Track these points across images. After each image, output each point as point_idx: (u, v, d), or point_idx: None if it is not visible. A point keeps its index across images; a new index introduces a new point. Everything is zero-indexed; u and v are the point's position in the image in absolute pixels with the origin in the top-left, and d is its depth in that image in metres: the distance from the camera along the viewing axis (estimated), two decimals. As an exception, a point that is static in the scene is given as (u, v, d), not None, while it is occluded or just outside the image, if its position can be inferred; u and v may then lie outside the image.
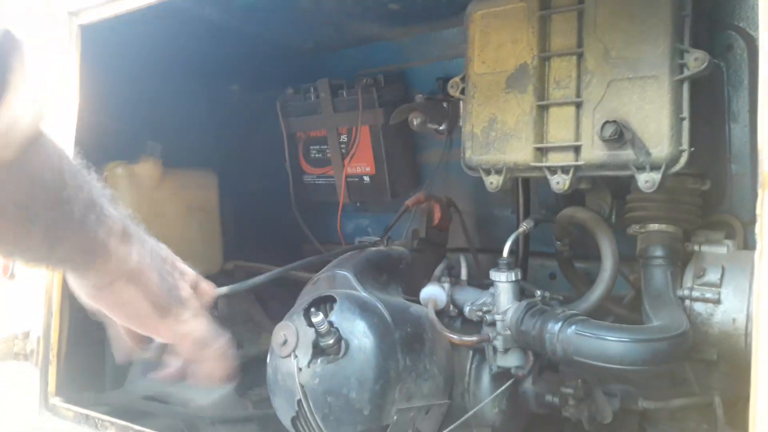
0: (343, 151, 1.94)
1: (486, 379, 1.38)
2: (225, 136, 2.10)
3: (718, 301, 1.19)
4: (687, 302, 1.23)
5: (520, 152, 1.21)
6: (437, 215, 1.67)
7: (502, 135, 1.23)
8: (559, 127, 1.18)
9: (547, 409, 1.42)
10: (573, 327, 1.10)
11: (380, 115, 1.82)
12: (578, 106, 1.18)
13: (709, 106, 1.34)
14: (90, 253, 0.66)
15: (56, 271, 0.71)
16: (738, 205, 1.37)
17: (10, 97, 0.49)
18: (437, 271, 1.53)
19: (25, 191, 0.56)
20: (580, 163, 1.15)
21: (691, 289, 1.23)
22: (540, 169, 1.20)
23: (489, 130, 1.25)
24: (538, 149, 1.20)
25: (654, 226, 1.28)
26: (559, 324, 1.12)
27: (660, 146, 1.07)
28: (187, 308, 0.79)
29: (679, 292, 1.24)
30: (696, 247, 1.28)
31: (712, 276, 1.21)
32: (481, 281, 1.50)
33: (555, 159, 1.18)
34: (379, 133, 1.84)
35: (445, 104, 1.68)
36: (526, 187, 1.50)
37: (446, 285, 1.44)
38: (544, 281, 1.71)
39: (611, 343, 1.04)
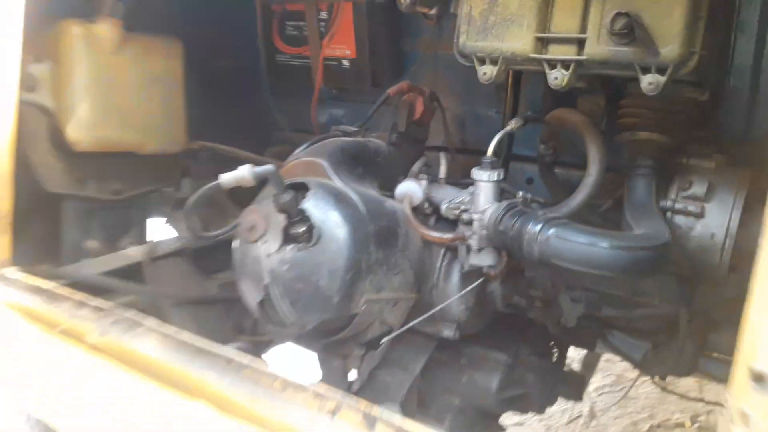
0: (322, 29, 1.79)
1: (456, 276, 1.39)
2: (193, 2, 1.90)
3: (700, 215, 1.17)
4: (668, 214, 1.22)
5: (519, 41, 1.11)
6: (419, 108, 1.59)
7: (502, 20, 1.13)
8: (565, 15, 1.08)
9: (512, 309, 1.44)
10: (553, 230, 1.07)
11: (366, -10, 1.66)
12: (588, -6, 1.08)
13: (719, 12, 1.26)
14: None
15: None
16: (730, 121, 1.33)
17: None
18: (414, 168, 1.49)
19: None
20: (582, 57, 1.07)
21: (675, 201, 1.21)
22: (539, 61, 1.11)
23: (488, 14, 1.14)
24: (539, 39, 1.10)
25: (645, 134, 1.23)
26: (539, 225, 1.09)
27: (671, 46, 1.00)
28: None
29: (662, 204, 1.22)
30: (684, 160, 1.25)
31: (698, 189, 1.19)
32: (458, 181, 1.46)
33: (556, 51, 1.10)
34: (364, 11, 1.69)
35: (439, -16, 1.54)
36: (516, 85, 1.42)
37: (423, 182, 1.41)
38: (521, 185, 1.68)
39: (592, 249, 1.02)
